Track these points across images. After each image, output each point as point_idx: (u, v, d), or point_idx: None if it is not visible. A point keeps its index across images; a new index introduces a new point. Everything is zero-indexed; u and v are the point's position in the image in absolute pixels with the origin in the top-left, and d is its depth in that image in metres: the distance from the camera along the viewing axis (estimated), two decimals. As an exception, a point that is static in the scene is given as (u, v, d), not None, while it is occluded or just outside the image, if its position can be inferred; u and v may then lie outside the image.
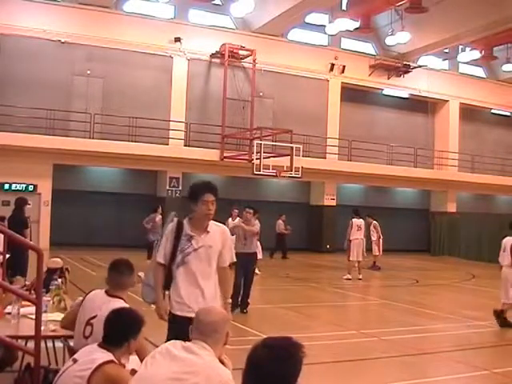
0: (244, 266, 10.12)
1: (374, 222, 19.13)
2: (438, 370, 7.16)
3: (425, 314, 11.19)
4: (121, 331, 3.44)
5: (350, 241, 16.46)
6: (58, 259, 6.50)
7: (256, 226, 10.71)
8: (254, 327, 8.80)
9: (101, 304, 4.09)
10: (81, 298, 4.62)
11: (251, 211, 10.73)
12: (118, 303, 4.04)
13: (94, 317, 4.04)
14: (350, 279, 15.91)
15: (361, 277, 16.17)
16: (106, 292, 4.26)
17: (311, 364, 5.96)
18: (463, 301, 13.72)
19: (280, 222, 22.83)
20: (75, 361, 3.44)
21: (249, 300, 10.42)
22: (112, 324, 3.46)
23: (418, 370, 7.18)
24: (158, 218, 17.21)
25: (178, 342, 3.01)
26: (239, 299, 10.27)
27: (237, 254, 9.75)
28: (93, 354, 3.35)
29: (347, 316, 11.17)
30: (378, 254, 19.27)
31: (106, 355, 3.32)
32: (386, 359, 7.47)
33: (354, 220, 16.74)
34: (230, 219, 15.82)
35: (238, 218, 13.49)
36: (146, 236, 17.44)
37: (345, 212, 24.88)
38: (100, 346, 3.41)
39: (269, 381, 2.34)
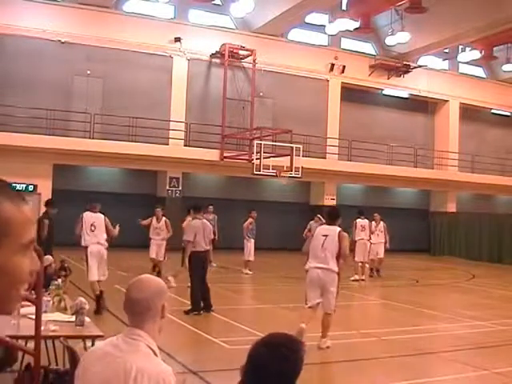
0: (203, 266, 10.24)
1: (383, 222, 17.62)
2: (438, 369, 7.16)
3: (425, 314, 11.19)
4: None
5: (356, 241, 16.11)
6: (48, 256, 6.47)
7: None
8: (254, 327, 8.78)
9: None
10: None
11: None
12: None
13: None
14: (356, 280, 15.62)
15: (364, 277, 15.93)
16: None
17: (311, 364, 5.96)
18: (463, 301, 13.70)
19: (312, 222, 21.03)
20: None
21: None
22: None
23: (418, 370, 7.18)
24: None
25: (112, 339, 2.60)
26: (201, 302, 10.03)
27: (199, 253, 10.09)
28: None
29: (347, 316, 11.15)
30: (382, 256, 17.52)
31: None
32: (385, 359, 7.47)
33: (358, 220, 16.54)
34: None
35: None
36: None
37: (345, 212, 24.88)
38: None
39: (270, 379, 2.33)
